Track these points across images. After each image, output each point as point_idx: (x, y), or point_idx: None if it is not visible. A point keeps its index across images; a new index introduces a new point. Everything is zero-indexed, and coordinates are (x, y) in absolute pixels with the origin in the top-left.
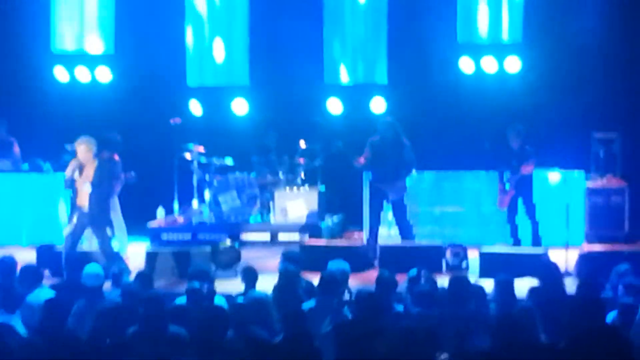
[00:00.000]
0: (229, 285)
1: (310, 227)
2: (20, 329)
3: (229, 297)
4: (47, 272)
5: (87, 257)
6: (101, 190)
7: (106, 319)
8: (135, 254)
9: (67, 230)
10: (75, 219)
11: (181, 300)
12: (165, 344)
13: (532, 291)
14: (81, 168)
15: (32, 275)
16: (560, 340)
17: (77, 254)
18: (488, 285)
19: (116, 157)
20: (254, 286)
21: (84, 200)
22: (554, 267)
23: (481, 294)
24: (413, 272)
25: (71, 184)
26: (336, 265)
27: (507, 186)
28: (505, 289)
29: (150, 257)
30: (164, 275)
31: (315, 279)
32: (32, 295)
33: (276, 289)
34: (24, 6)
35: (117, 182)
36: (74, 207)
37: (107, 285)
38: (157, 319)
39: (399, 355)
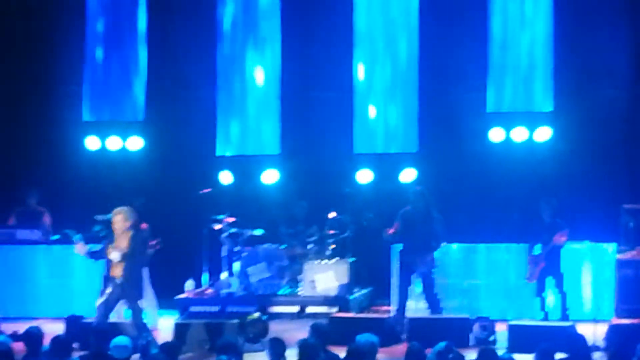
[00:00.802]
0: (256, 358)
1: (339, 300)
2: None
3: None
4: (76, 345)
5: (116, 329)
6: (135, 261)
7: None
8: (164, 327)
9: (99, 300)
10: (109, 290)
11: None
12: None
13: None
14: (112, 238)
15: (62, 346)
16: None
17: (107, 325)
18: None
19: (144, 226)
20: (282, 358)
21: (118, 271)
22: (581, 340)
23: None
24: (440, 346)
25: (102, 255)
26: (365, 338)
27: (538, 258)
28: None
29: (179, 329)
30: (192, 348)
31: (343, 353)
32: None
33: None
34: (56, 75)
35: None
36: (107, 278)
37: (135, 357)
38: None
39: None
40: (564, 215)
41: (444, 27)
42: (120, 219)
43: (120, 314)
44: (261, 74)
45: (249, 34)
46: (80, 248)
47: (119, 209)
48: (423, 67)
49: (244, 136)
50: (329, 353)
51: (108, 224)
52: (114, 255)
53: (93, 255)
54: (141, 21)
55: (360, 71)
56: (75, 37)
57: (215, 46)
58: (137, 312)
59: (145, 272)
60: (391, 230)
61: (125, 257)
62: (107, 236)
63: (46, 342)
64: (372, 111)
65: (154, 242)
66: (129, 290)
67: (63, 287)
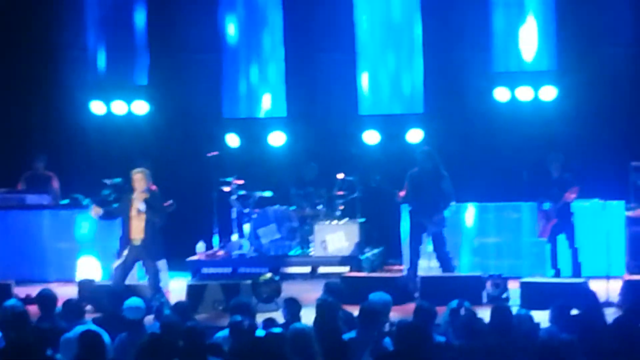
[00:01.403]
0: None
1: (351, 260)
2: None
3: (269, 330)
4: (89, 307)
5: (129, 291)
6: (154, 220)
7: (147, 351)
8: (176, 288)
9: (116, 263)
10: (126, 252)
11: (223, 333)
12: None
13: (573, 320)
14: (130, 203)
15: (74, 309)
16: None
17: (121, 287)
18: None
19: (154, 188)
20: (297, 318)
21: (136, 234)
22: (593, 296)
23: (528, 323)
24: (453, 304)
25: (113, 214)
26: (378, 296)
27: (550, 215)
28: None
29: (192, 290)
30: (205, 308)
31: (356, 311)
32: (72, 331)
33: (315, 321)
34: (60, 39)
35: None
36: (124, 241)
37: (149, 318)
38: (197, 350)
39: None
40: (572, 170)
41: None
42: (139, 178)
43: (134, 276)
44: (266, 36)
45: None
46: (95, 211)
47: (136, 169)
48: (427, 27)
49: (250, 99)
50: (344, 311)
51: (116, 187)
52: (140, 205)
53: (109, 215)
54: None
55: (363, 33)
56: (77, 2)
57: (218, 9)
58: (154, 274)
59: None
60: (401, 193)
61: (147, 211)
62: (118, 198)
63: (59, 304)
64: (377, 73)
65: (167, 204)
66: (150, 250)
67: (73, 252)
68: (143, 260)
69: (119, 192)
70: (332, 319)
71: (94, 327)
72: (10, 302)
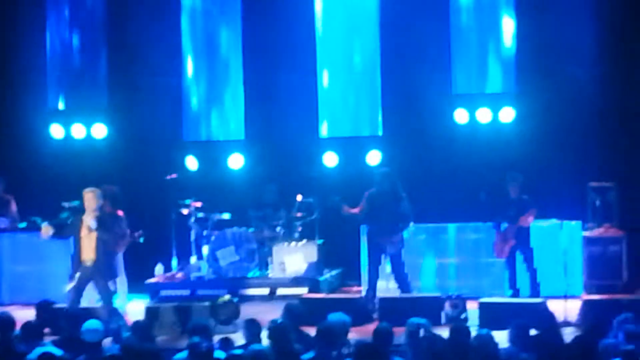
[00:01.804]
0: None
1: (309, 281)
2: None
3: (228, 352)
4: (47, 330)
5: (87, 313)
6: (105, 242)
7: None
8: (134, 311)
9: (69, 286)
10: (78, 275)
11: (181, 355)
12: None
13: (532, 340)
14: (80, 223)
15: (33, 331)
16: None
17: (78, 310)
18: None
19: (120, 213)
20: (258, 339)
21: (87, 254)
22: (551, 315)
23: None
24: (412, 325)
25: (64, 234)
26: (336, 317)
27: (507, 236)
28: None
29: (150, 312)
30: (163, 331)
31: (314, 333)
32: (33, 352)
33: (270, 343)
34: (20, 64)
35: (123, 239)
36: (76, 262)
37: (107, 341)
38: None
39: None
40: (530, 192)
41: (406, 8)
42: (90, 198)
43: (92, 299)
44: (224, 57)
45: (210, 18)
46: (45, 231)
47: (87, 188)
48: (386, 48)
49: (209, 122)
50: (301, 333)
51: (74, 210)
52: (91, 223)
53: (59, 234)
54: (102, 6)
55: (323, 54)
56: (37, 25)
57: (179, 30)
58: (106, 295)
59: (119, 259)
60: (354, 210)
61: (98, 229)
62: (75, 220)
63: (17, 327)
64: (337, 93)
65: (136, 234)
66: (100, 272)
67: (31, 274)
68: (95, 281)
69: (78, 214)
70: (286, 341)
71: (53, 350)
72: None
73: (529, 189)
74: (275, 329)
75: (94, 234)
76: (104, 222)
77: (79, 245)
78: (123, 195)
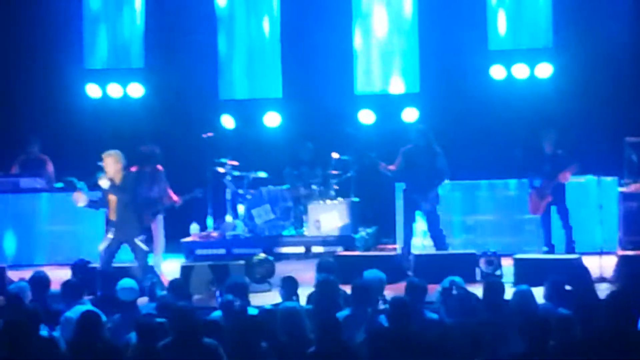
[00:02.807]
0: (264, 299)
1: (344, 240)
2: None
3: (261, 309)
4: None
5: (122, 272)
6: (127, 203)
7: (141, 332)
8: (169, 270)
9: (102, 245)
10: (110, 234)
11: (217, 313)
12: (199, 355)
13: (567, 296)
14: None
15: (73, 290)
16: (593, 343)
17: (113, 269)
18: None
19: (159, 168)
20: (295, 296)
21: (113, 215)
22: (586, 271)
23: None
24: (445, 283)
25: (102, 201)
26: (372, 274)
27: (544, 192)
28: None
29: (185, 271)
30: (198, 289)
31: (349, 290)
32: (72, 310)
33: (314, 298)
34: (56, 24)
35: (164, 193)
36: (108, 222)
37: (142, 300)
38: (191, 330)
39: None
40: (566, 148)
41: None
42: (110, 162)
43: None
44: (262, 16)
45: None
46: (79, 197)
47: (107, 152)
48: (423, 6)
49: (245, 80)
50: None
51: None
52: (104, 182)
53: (93, 204)
54: None
55: (360, 12)
56: None
57: None
58: (138, 253)
59: (159, 218)
60: (390, 166)
61: (112, 190)
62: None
63: (53, 287)
64: (373, 51)
65: (176, 200)
66: (124, 230)
67: (67, 235)
68: (125, 240)
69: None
70: (333, 296)
71: (92, 308)
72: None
73: (565, 144)
74: (324, 284)
75: (114, 196)
76: (122, 184)
77: (108, 206)
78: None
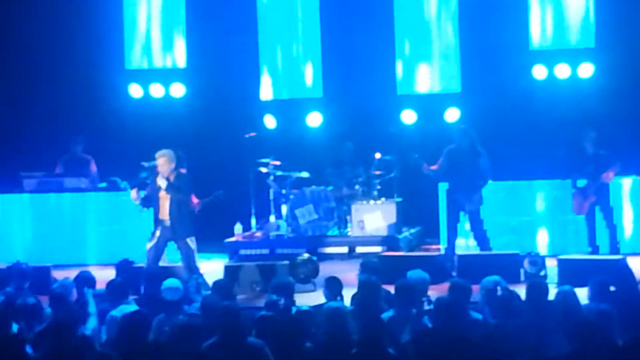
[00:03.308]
0: (308, 299)
1: (388, 240)
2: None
3: (306, 309)
4: None
5: (167, 272)
6: (181, 202)
7: (185, 332)
8: (214, 270)
9: (149, 244)
10: (157, 233)
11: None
12: (244, 355)
13: (612, 296)
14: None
15: (118, 290)
16: (637, 345)
17: (158, 268)
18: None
19: (182, 171)
20: (339, 297)
21: (164, 214)
22: (630, 272)
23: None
24: (489, 283)
25: (151, 200)
26: (415, 274)
27: (587, 192)
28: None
29: (229, 271)
30: (243, 289)
31: (392, 290)
32: (117, 310)
33: (357, 299)
34: (98, 24)
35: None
36: (156, 221)
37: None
38: (235, 329)
39: None
40: (609, 148)
41: None
42: (163, 162)
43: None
44: (302, 16)
45: None
46: (134, 194)
47: (161, 151)
48: (464, 4)
49: (287, 80)
50: (383, 290)
51: (154, 170)
52: (162, 182)
53: (144, 201)
54: None
55: (400, 12)
56: None
57: None
58: (187, 253)
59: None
60: (433, 167)
61: (168, 190)
62: (152, 181)
63: (98, 286)
64: (413, 53)
65: (197, 202)
66: (177, 230)
67: (111, 234)
68: (174, 240)
69: (155, 175)
70: (375, 297)
71: (137, 308)
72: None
73: (607, 145)
74: (365, 285)
75: (168, 195)
76: (177, 183)
77: (157, 205)
78: (199, 154)
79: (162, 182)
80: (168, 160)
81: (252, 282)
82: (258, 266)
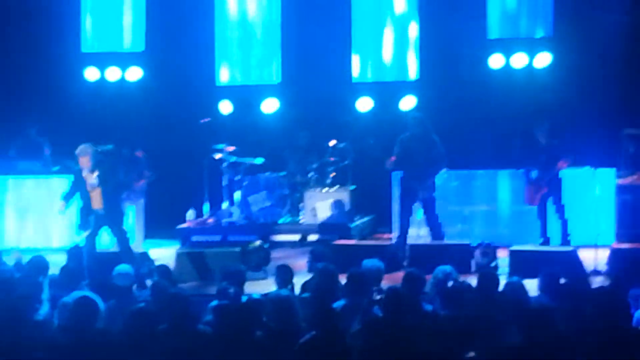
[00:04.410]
0: (258, 286)
1: (340, 228)
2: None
3: (256, 297)
4: None
5: (118, 258)
6: (108, 189)
7: (136, 318)
8: (165, 256)
9: (85, 234)
10: (92, 222)
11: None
12: (193, 341)
13: (562, 288)
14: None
15: (71, 275)
16: (586, 336)
17: (104, 254)
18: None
19: (139, 154)
20: (289, 285)
21: (97, 204)
22: (580, 264)
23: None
24: (439, 273)
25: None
26: (371, 263)
27: (540, 183)
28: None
29: (180, 258)
30: (193, 276)
31: (343, 279)
32: (69, 296)
33: (311, 286)
34: (54, 7)
35: (140, 178)
36: (85, 211)
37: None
38: (185, 317)
39: (429, 354)
40: (564, 138)
41: None
42: (84, 160)
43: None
44: (262, 3)
45: None
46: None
47: (79, 149)
48: None
49: (243, 66)
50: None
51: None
52: (93, 180)
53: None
54: None
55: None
56: None
57: None
58: (122, 239)
59: (141, 203)
60: (393, 158)
61: (100, 185)
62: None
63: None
64: (370, 40)
65: (147, 174)
66: (111, 217)
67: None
68: (109, 226)
69: (78, 174)
70: (332, 286)
71: (89, 294)
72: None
73: (562, 135)
74: (324, 273)
75: (99, 188)
76: (104, 177)
77: (87, 197)
78: (154, 138)
79: (94, 181)
80: (89, 157)
81: (201, 268)
82: (207, 253)
